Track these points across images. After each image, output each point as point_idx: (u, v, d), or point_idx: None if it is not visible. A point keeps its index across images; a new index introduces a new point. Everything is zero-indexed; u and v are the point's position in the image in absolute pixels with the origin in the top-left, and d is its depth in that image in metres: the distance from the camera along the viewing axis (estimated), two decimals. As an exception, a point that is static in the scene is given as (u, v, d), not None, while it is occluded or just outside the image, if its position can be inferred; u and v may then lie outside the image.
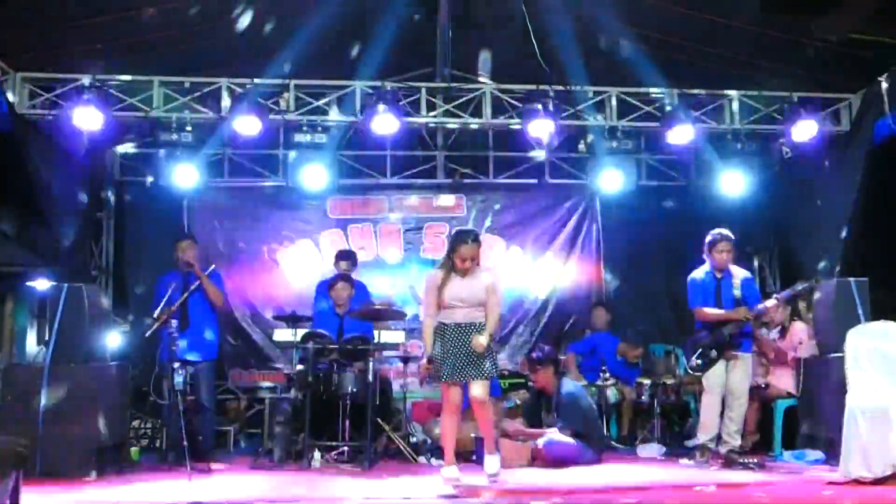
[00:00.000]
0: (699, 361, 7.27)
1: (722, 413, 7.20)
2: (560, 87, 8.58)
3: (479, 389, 6.10)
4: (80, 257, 8.94)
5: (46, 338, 6.71)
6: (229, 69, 8.50)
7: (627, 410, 9.10)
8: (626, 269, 10.64)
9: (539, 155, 10.27)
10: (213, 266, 7.89)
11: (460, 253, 6.19)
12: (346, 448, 7.36)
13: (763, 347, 8.25)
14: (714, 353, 7.19)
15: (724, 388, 7.18)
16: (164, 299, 7.34)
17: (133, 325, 8.91)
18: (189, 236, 8.22)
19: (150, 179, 9.47)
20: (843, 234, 8.32)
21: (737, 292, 7.28)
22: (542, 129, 8.46)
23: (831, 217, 8.55)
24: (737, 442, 7.17)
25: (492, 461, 6.28)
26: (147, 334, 7.28)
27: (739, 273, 7.39)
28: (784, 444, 7.78)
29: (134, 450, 7.71)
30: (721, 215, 8.79)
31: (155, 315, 7.28)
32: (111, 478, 6.41)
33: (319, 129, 8.63)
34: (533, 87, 8.57)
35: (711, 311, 7.25)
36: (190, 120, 8.41)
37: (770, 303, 7.33)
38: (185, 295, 7.41)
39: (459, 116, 8.89)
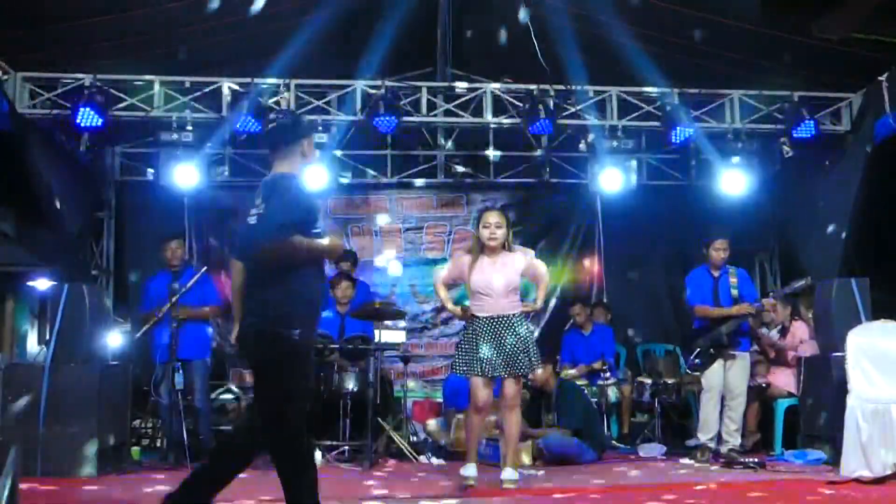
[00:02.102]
0: (697, 361, 7.28)
1: (721, 412, 7.20)
2: (560, 87, 8.58)
3: (511, 388, 5.82)
4: (80, 257, 8.95)
5: (47, 337, 6.72)
6: (229, 69, 8.50)
7: (628, 409, 9.10)
8: (627, 269, 10.64)
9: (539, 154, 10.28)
10: (205, 269, 7.83)
11: (485, 221, 5.88)
12: (346, 447, 7.37)
13: (764, 347, 8.27)
14: (712, 352, 7.20)
15: (723, 388, 7.19)
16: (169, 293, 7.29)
17: (134, 325, 8.89)
18: (177, 235, 8.09)
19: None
20: (844, 233, 8.31)
21: (734, 291, 7.30)
22: (542, 128, 8.47)
23: (832, 216, 8.55)
24: (737, 441, 7.18)
25: (510, 473, 5.81)
26: (138, 335, 7.26)
27: (736, 271, 7.40)
28: (785, 443, 7.79)
29: (135, 450, 7.72)
30: (721, 215, 8.80)
31: (143, 316, 7.24)
32: (112, 478, 6.41)
33: (320, 128, 8.63)
34: (533, 86, 8.57)
35: (712, 309, 7.26)
36: (190, 119, 8.41)
37: (768, 300, 7.36)
38: (175, 298, 7.30)
39: (460, 116, 8.89)
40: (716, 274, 7.36)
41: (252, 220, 4.11)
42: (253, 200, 4.23)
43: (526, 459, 7.22)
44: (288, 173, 4.18)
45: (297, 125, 4.54)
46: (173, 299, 7.24)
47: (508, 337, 5.79)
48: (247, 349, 4.06)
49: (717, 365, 7.20)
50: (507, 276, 5.85)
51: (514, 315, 5.85)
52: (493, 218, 5.91)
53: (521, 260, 5.96)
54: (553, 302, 10.40)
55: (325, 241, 4.03)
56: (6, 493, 3.26)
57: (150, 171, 9.39)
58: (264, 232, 3.91)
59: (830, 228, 8.46)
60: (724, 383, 7.19)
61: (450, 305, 6.12)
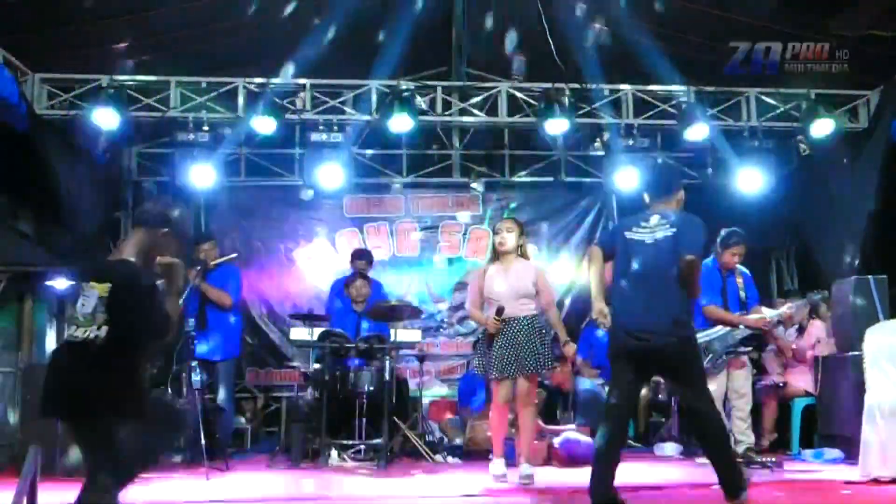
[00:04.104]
0: (708, 366, 7.21)
1: (729, 414, 7.15)
2: (576, 85, 8.57)
3: (523, 386, 5.97)
4: (98, 256, 8.98)
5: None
6: (246, 69, 8.54)
7: (644, 409, 9.06)
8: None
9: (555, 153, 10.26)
10: (236, 255, 7.81)
11: (497, 228, 6.21)
12: (362, 447, 7.37)
13: (781, 346, 8.21)
14: (724, 358, 7.12)
15: (728, 389, 7.14)
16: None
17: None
18: (210, 237, 8.16)
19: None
20: (862, 231, 8.27)
21: (742, 292, 7.25)
22: (557, 127, 8.47)
23: (849, 214, 8.50)
24: (751, 439, 7.12)
25: (526, 468, 5.98)
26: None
27: (741, 272, 7.36)
28: (802, 442, 7.76)
29: (152, 448, 7.72)
30: (738, 213, 8.75)
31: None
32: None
33: (335, 128, 8.65)
34: (549, 85, 8.56)
35: (726, 315, 7.14)
36: (207, 120, 8.46)
37: (784, 310, 7.28)
38: (201, 270, 7.30)
39: (475, 115, 8.89)
40: (724, 273, 7.32)
41: (650, 239, 4.84)
42: (645, 219, 4.91)
43: (540, 458, 7.21)
44: (691, 214, 5.02)
45: (675, 178, 5.74)
46: (198, 267, 7.23)
47: (519, 338, 5.94)
48: (667, 350, 4.71)
49: (722, 374, 7.15)
50: (514, 285, 6.04)
51: (524, 317, 5.99)
52: (503, 224, 6.22)
53: (532, 271, 6.16)
54: (569, 300, 10.38)
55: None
56: (26, 492, 3.29)
57: (167, 176, 9.42)
58: (686, 251, 4.68)
59: (848, 226, 8.42)
60: (728, 385, 7.13)
61: (489, 321, 6.07)
